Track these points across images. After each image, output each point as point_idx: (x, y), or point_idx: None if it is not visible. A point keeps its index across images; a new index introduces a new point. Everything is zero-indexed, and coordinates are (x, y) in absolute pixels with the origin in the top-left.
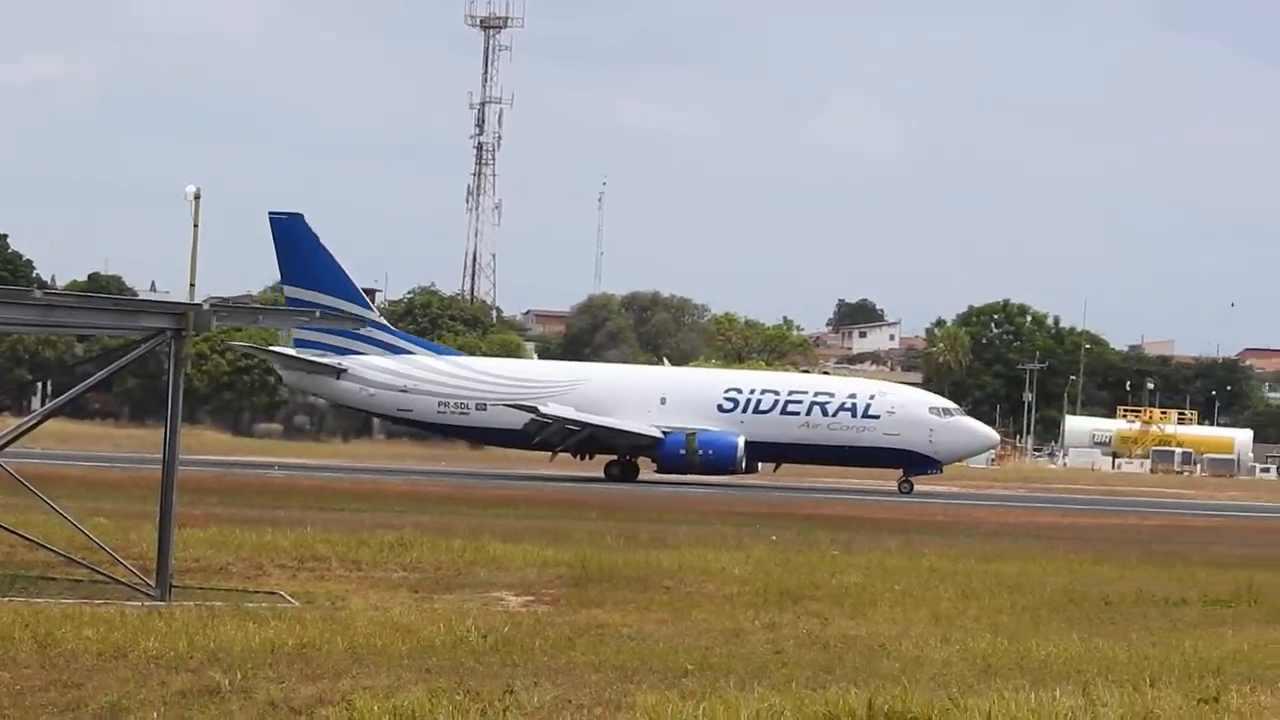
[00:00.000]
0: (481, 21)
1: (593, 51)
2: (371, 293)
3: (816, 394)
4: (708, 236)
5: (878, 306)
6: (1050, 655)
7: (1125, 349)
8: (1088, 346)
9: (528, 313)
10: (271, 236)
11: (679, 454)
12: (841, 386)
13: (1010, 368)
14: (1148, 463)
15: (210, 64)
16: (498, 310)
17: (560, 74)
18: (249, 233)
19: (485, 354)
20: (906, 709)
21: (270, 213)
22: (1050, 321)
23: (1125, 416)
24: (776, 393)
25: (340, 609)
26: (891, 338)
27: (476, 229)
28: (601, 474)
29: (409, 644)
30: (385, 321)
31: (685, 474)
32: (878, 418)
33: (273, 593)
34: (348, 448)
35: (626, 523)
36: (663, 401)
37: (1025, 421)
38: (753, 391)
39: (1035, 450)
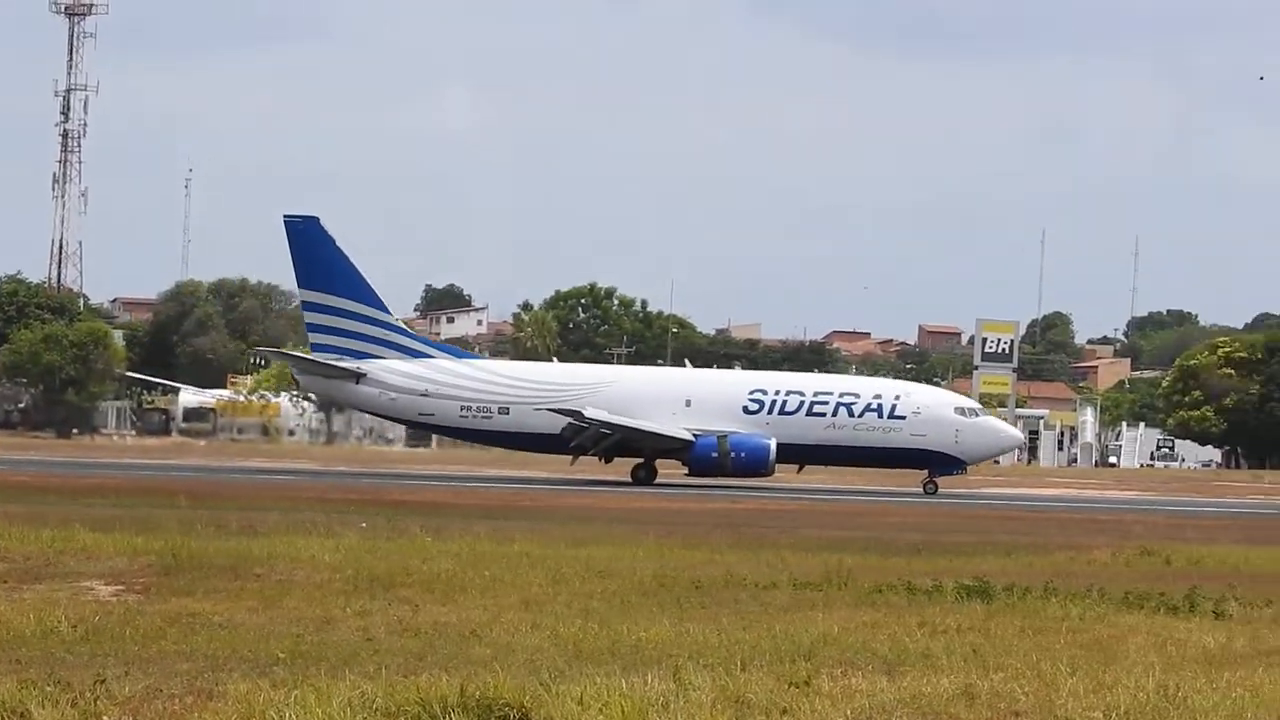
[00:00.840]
0: (65, 9)
1: (181, 36)
2: None
3: (842, 395)
4: None
5: (465, 292)
6: (641, 640)
7: (713, 332)
8: (675, 330)
9: (115, 300)
10: (286, 239)
11: (711, 457)
12: (866, 387)
13: (598, 351)
14: None
15: None
16: (85, 298)
17: (148, 59)
18: None
19: (73, 342)
20: (498, 695)
21: (285, 216)
22: (638, 305)
23: None
24: (802, 394)
25: None
26: (479, 323)
27: (63, 216)
28: (628, 477)
29: None
30: (404, 325)
31: (716, 476)
32: (904, 418)
33: None
34: None
35: (217, 510)
36: (688, 404)
37: None
38: (778, 392)
39: None
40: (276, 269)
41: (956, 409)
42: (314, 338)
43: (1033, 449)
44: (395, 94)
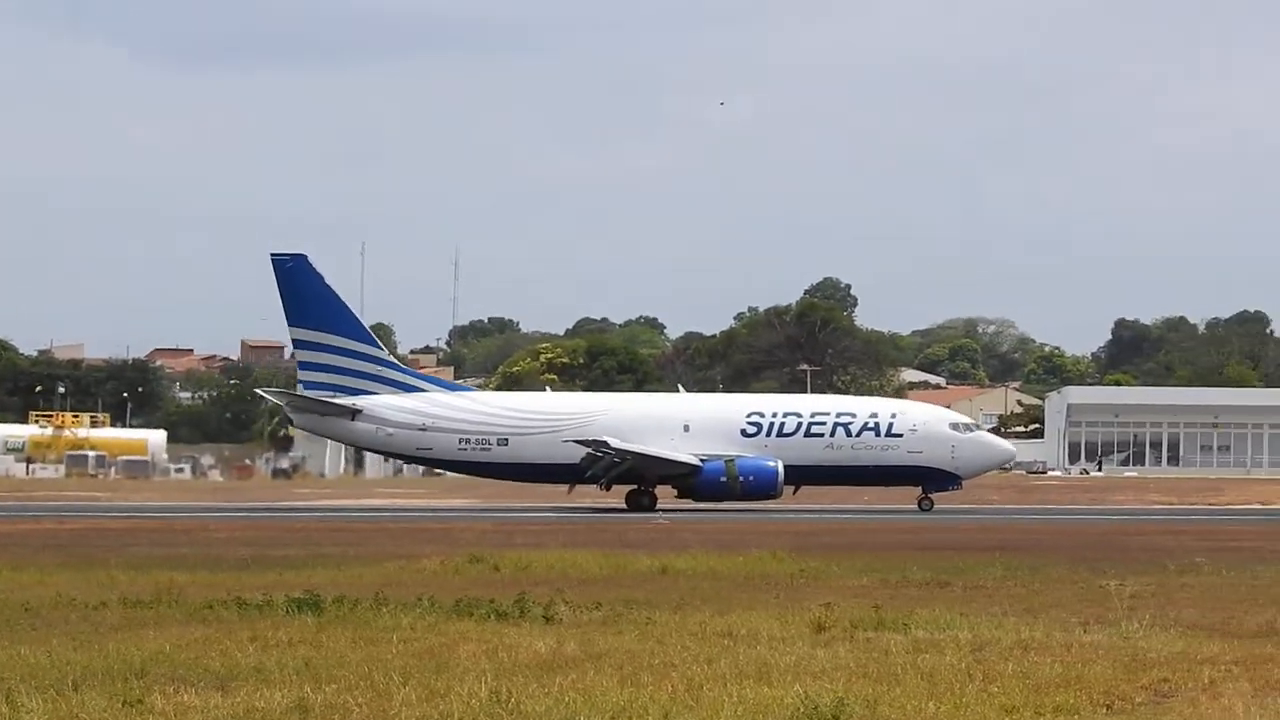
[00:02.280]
0: None
1: None
2: None
3: (839, 415)
4: None
5: None
6: None
7: (35, 353)
8: None
9: None
10: (275, 278)
11: (719, 481)
12: (861, 406)
13: None
14: (63, 467)
15: None
16: None
17: None
18: None
19: None
20: None
21: (273, 254)
22: None
23: (38, 422)
24: (799, 415)
25: None
26: None
27: None
28: (623, 503)
29: None
30: (396, 360)
31: (723, 501)
32: (901, 436)
33: None
34: None
35: None
36: (686, 429)
37: None
38: (775, 415)
39: None
40: None
41: (951, 425)
42: (305, 375)
43: (359, 460)
44: None
